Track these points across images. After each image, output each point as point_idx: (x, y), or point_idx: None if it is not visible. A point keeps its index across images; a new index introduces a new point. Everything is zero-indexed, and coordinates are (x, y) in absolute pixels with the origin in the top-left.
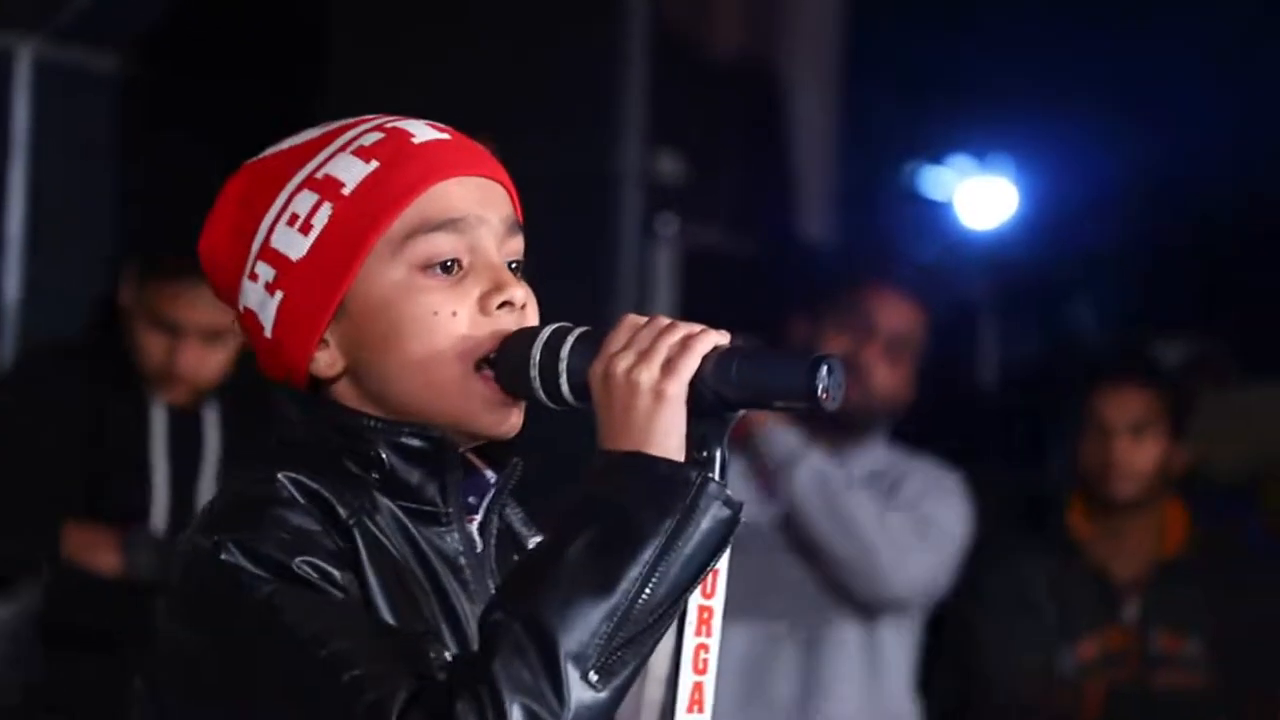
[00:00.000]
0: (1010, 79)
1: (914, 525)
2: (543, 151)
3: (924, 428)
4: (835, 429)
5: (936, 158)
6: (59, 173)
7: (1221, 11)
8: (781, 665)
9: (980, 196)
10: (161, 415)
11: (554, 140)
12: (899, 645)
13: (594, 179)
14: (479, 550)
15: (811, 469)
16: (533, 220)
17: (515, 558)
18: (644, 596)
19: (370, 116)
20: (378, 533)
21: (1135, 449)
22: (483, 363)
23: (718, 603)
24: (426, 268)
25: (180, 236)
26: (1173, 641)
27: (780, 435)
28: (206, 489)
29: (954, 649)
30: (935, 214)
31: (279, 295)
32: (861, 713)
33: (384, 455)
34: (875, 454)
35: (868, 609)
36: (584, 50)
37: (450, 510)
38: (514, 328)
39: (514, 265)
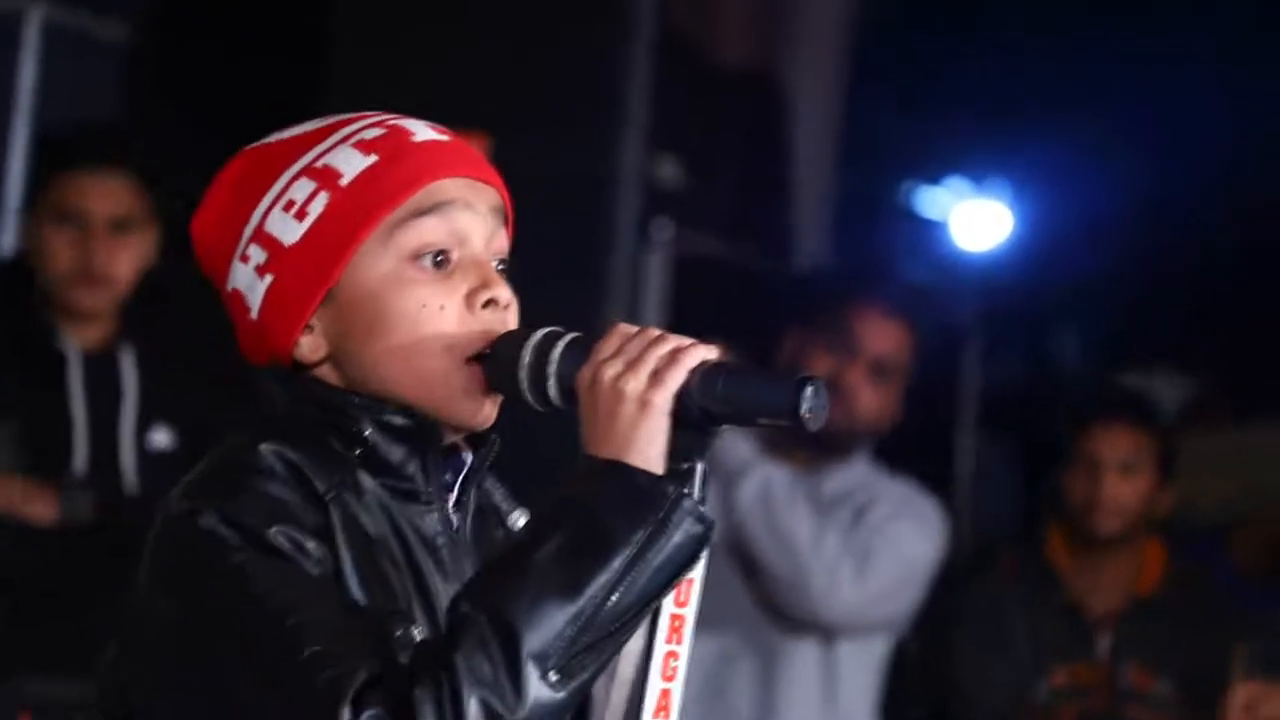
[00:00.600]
0: (1012, 103)
1: (856, 550)
2: (542, 151)
3: (903, 448)
4: (816, 447)
5: (934, 177)
6: None
7: (1226, 37)
8: (739, 681)
9: (975, 219)
10: (77, 360)
11: (553, 140)
12: (859, 666)
13: (592, 180)
14: (455, 529)
15: (757, 482)
16: (529, 219)
17: (498, 532)
18: (610, 603)
19: (372, 113)
20: (356, 509)
21: (1123, 486)
22: (471, 359)
23: (690, 611)
24: (416, 258)
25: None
26: (1143, 679)
27: (733, 445)
28: (128, 433)
29: (927, 672)
30: (930, 233)
31: (269, 278)
32: None
33: (367, 432)
34: (853, 473)
35: (805, 629)
36: (587, 51)
37: (431, 489)
38: (498, 326)
39: (501, 266)
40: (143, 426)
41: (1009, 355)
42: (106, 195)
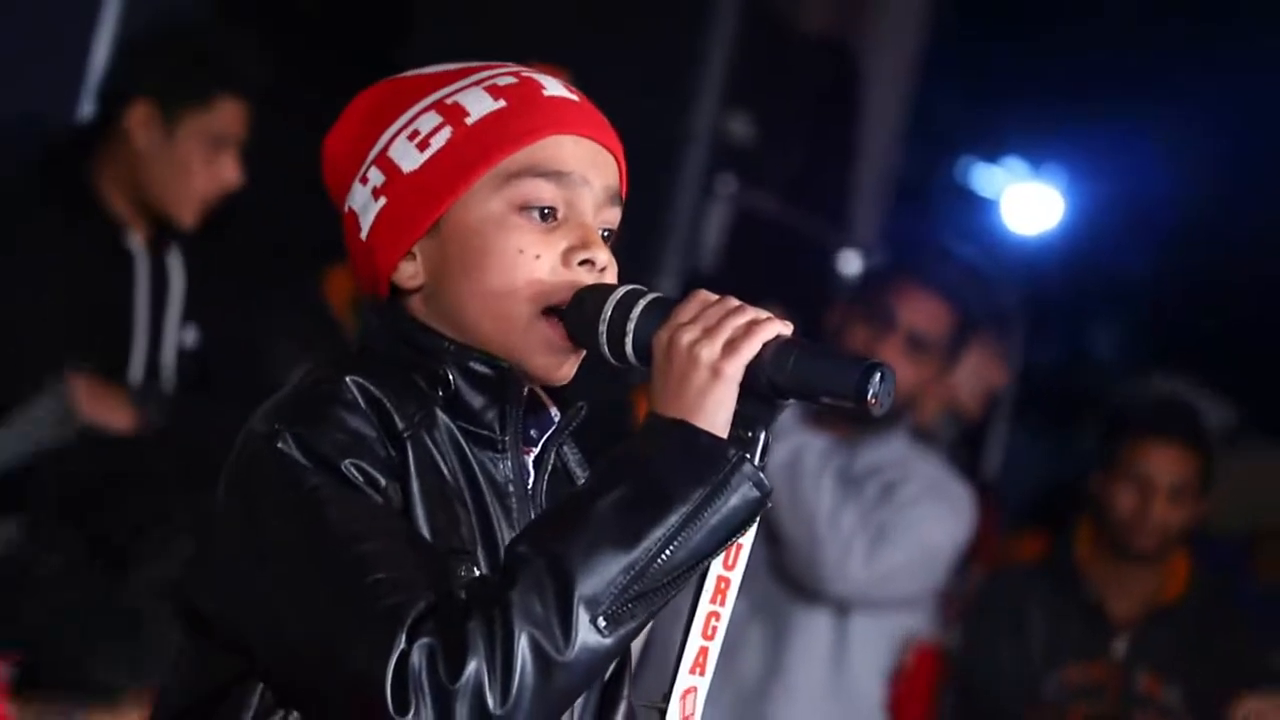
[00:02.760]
0: (1075, 89)
1: (872, 527)
2: (619, 98)
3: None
4: (851, 418)
5: (992, 156)
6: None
7: None
8: (750, 641)
9: (1028, 201)
10: (143, 260)
11: (632, 88)
12: (872, 639)
13: (665, 131)
14: (530, 481)
15: (788, 450)
16: None
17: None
18: (663, 557)
19: (510, 63)
20: (432, 448)
21: (1172, 510)
22: (552, 309)
23: (736, 575)
24: (524, 209)
25: (264, 119)
26: (1154, 685)
27: None
28: (171, 332)
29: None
30: (981, 212)
31: (382, 201)
32: (824, 700)
33: (451, 376)
34: (890, 448)
35: (818, 598)
36: (674, 4)
37: (506, 438)
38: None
39: (606, 234)
40: (181, 325)
41: (1047, 343)
42: (245, 122)
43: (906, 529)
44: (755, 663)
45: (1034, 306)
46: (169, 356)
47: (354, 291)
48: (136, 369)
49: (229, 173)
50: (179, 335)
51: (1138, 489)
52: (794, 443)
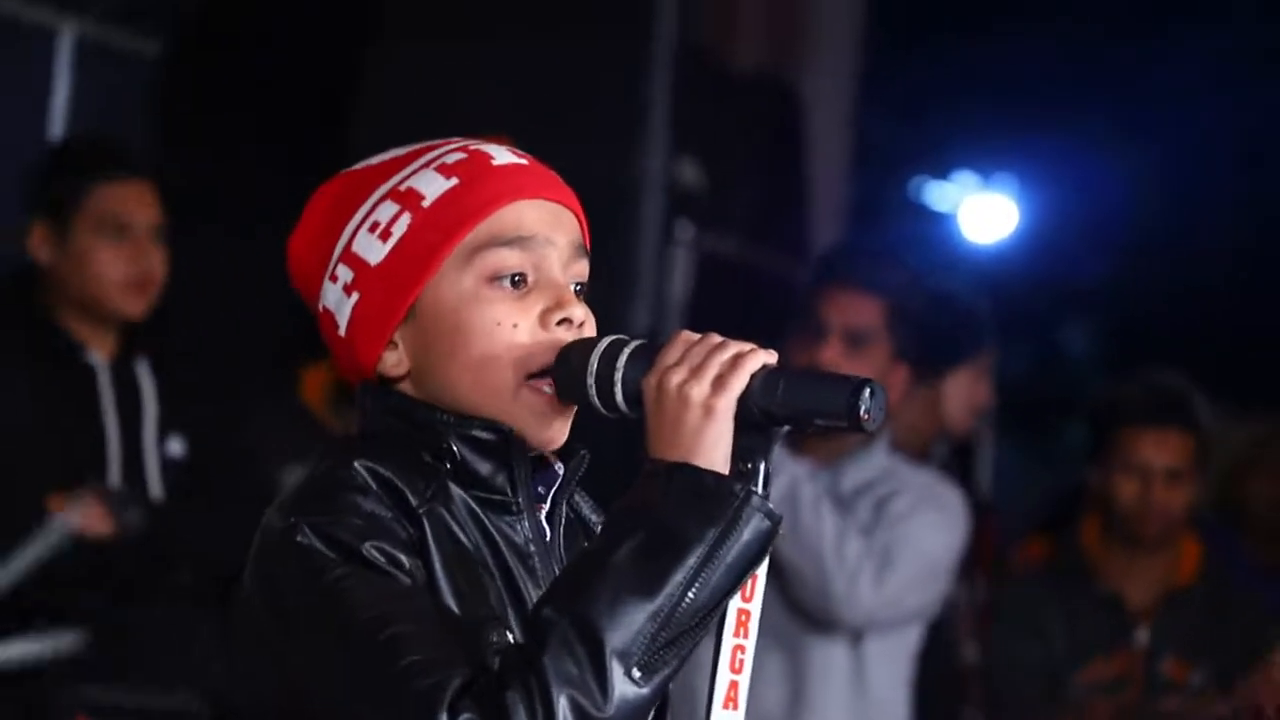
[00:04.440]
0: (1018, 99)
1: (876, 552)
2: (567, 156)
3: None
4: (817, 436)
5: (942, 173)
6: None
7: (1237, 40)
8: (769, 677)
9: (982, 212)
10: (105, 372)
11: (578, 146)
12: (889, 657)
13: (617, 184)
14: (547, 539)
15: (784, 482)
16: None
17: (585, 543)
18: (687, 600)
19: (456, 139)
20: (449, 520)
21: (1172, 494)
22: (537, 374)
23: (755, 606)
24: (494, 280)
25: (214, 219)
26: (1179, 669)
27: None
28: (150, 442)
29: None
30: (939, 226)
31: (355, 296)
32: None
33: (455, 447)
34: (872, 464)
35: (827, 629)
36: (610, 59)
37: (520, 500)
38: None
39: (578, 288)
40: (161, 435)
41: (1018, 350)
42: (146, 204)
43: (907, 546)
44: (778, 696)
45: (1002, 314)
46: (152, 468)
47: (330, 388)
48: (114, 479)
49: (143, 256)
50: (163, 447)
51: (1137, 478)
52: (788, 475)
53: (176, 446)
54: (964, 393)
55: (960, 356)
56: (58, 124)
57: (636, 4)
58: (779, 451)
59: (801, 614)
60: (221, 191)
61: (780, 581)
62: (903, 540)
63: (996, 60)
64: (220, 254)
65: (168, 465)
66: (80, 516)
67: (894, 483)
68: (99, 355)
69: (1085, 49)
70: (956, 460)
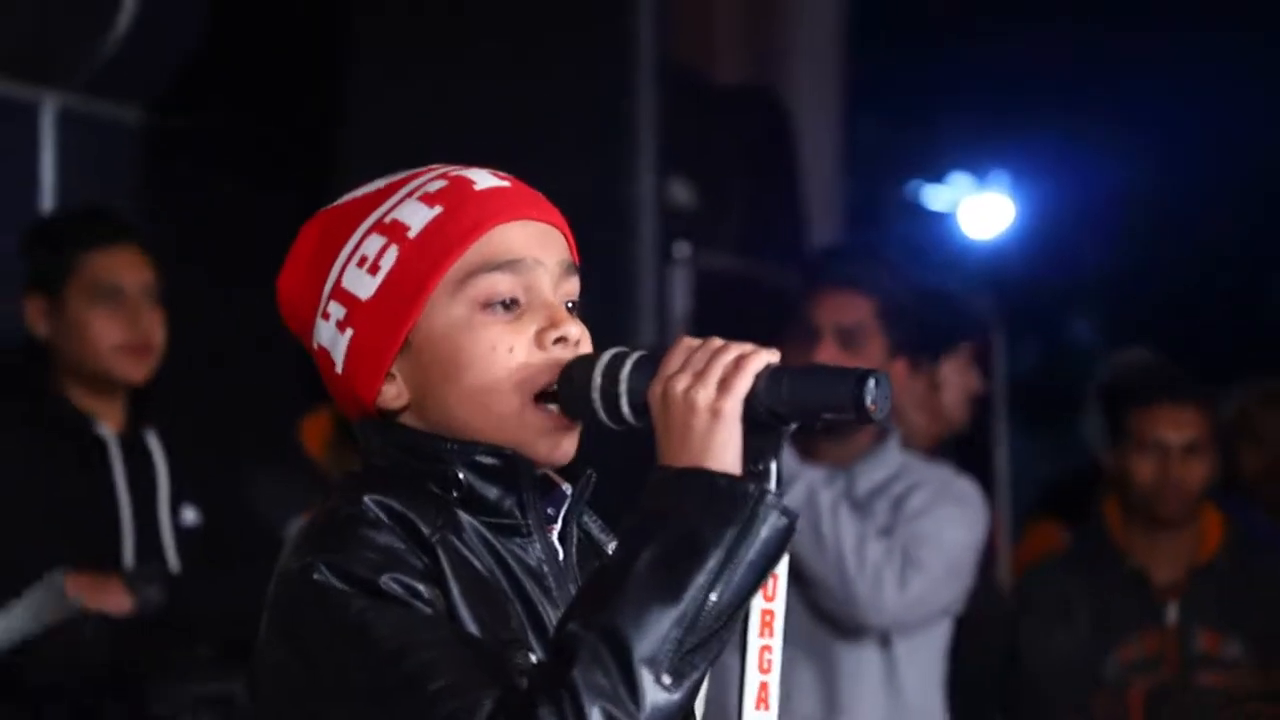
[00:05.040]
0: (1006, 97)
1: (897, 554)
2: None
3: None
4: (828, 440)
5: (937, 176)
6: None
7: (1223, 29)
8: (801, 685)
9: (979, 210)
10: (115, 445)
11: (569, 173)
12: (920, 654)
13: (610, 209)
14: (561, 559)
15: (802, 490)
16: None
17: (597, 563)
18: (710, 602)
19: (436, 166)
20: (461, 548)
21: (1189, 469)
22: (540, 395)
23: (779, 605)
24: (486, 305)
25: (206, 281)
26: (1213, 642)
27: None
28: (164, 514)
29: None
30: (938, 230)
31: (349, 333)
32: None
33: (461, 475)
34: (885, 463)
35: (855, 635)
36: (595, 85)
37: (529, 522)
38: (570, 359)
39: (570, 305)
40: (175, 506)
41: (1026, 342)
42: (136, 267)
43: (928, 544)
44: (813, 705)
45: (1007, 309)
46: (167, 538)
47: (330, 435)
48: (129, 552)
49: (139, 319)
50: (176, 518)
51: (1154, 456)
52: (805, 483)
53: (190, 515)
54: (958, 381)
55: (954, 345)
56: (47, 196)
57: (615, 29)
58: (793, 458)
59: (828, 621)
60: (211, 251)
61: (805, 590)
62: (923, 538)
63: (981, 59)
64: (210, 312)
65: (182, 535)
66: (99, 597)
67: (909, 479)
68: (108, 427)
69: (1073, 44)
70: (962, 451)
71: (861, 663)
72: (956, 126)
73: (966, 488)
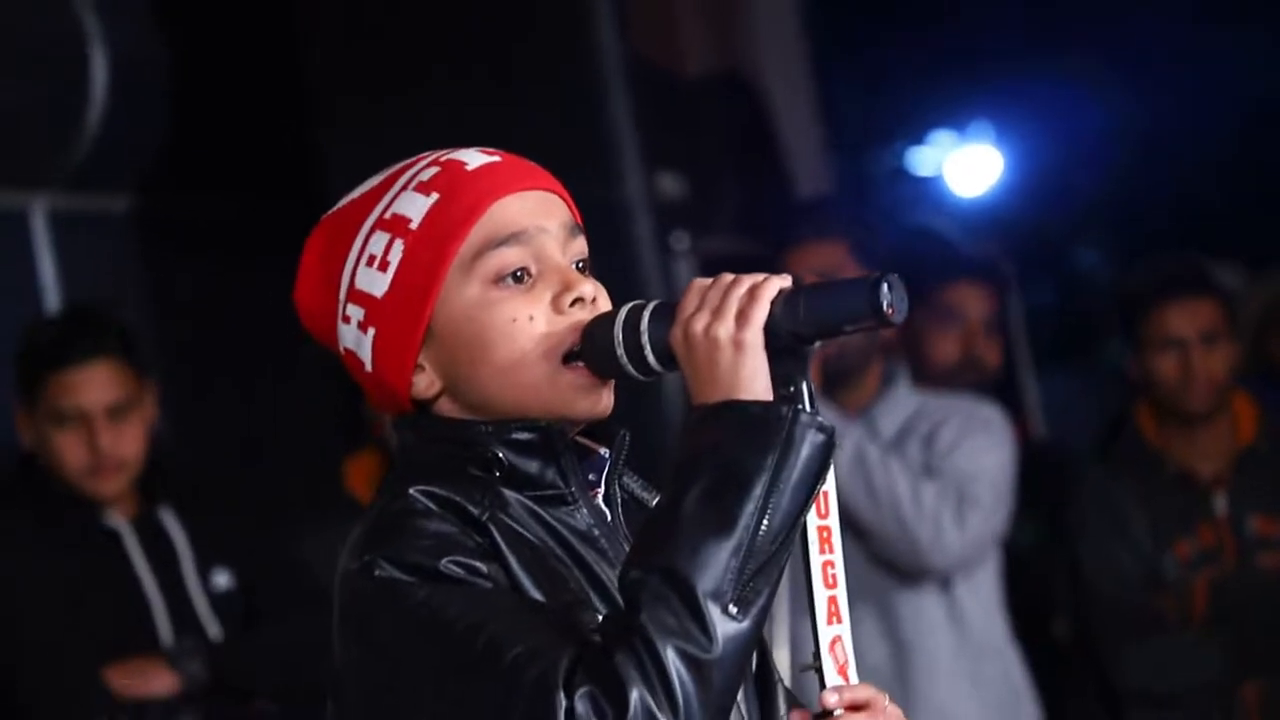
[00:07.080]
0: (979, 49)
1: (951, 495)
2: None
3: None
4: (829, 386)
5: (919, 137)
6: None
7: None
8: (867, 637)
9: (967, 166)
10: (129, 531)
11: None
12: (978, 592)
13: (603, 211)
14: (609, 520)
15: (850, 446)
16: None
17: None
18: (763, 528)
19: (426, 154)
20: (512, 523)
21: (1210, 358)
22: (568, 355)
23: (834, 520)
24: (499, 280)
25: (211, 353)
26: (1267, 525)
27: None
28: (193, 585)
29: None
30: (927, 190)
31: (372, 332)
32: (961, 661)
33: (500, 454)
34: (901, 405)
35: (918, 580)
36: (567, 97)
37: (573, 489)
38: (589, 320)
39: (580, 265)
40: (203, 574)
41: (1040, 285)
42: (97, 386)
43: (975, 479)
44: (881, 654)
45: (1015, 255)
46: (201, 607)
47: (375, 475)
48: (164, 631)
49: (97, 440)
50: (208, 585)
51: (1174, 351)
52: (851, 440)
53: (223, 579)
54: (966, 311)
55: (953, 276)
56: (51, 297)
57: (579, 40)
58: (835, 415)
59: (888, 569)
60: (217, 320)
61: (861, 542)
62: (968, 474)
63: (950, 13)
64: (227, 382)
65: (217, 600)
66: (144, 683)
67: (933, 416)
68: (118, 517)
69: None
70: (1000, 392)
71: (923, 607)
72: (932, 84)
73: (989, 412)
